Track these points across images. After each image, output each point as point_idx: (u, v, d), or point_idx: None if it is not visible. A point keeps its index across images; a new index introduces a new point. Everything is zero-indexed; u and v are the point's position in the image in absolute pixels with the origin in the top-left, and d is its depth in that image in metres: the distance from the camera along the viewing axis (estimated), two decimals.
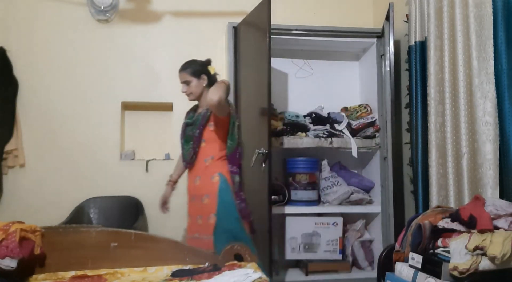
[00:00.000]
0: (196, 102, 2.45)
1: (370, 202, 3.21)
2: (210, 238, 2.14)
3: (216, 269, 1.75)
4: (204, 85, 2.35)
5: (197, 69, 2.36)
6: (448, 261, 1.61)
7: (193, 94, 2.37)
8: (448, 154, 2.34)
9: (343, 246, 3.12)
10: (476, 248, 1.55)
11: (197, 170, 2.29)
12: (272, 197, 2.99)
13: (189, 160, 2.30)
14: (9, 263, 1.55)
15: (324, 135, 3.09)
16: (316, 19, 3.40)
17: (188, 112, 2.48)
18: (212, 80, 2.36)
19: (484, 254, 1.54)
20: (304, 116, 3.24)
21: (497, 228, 1.64)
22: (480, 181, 2.13)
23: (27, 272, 1.70)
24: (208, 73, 2.37)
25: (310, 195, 3.10)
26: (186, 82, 2.36)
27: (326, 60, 3.53)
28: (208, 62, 2.42)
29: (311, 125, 3.17)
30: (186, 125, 2.39)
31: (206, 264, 1.81)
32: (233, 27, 3.11)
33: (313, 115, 3.22)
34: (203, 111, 2.32)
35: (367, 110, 3.24)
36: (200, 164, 2.28)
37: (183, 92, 2.38)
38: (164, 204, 2.50)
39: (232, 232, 2.13)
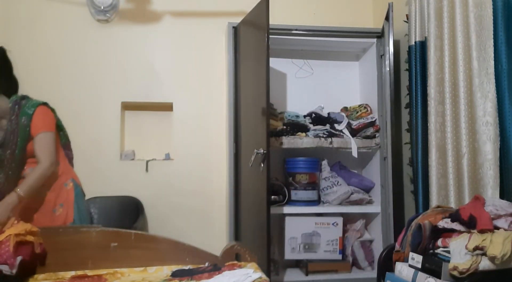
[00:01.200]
0: None
1: (370, 202, 3.21)
2: None
3: (216, 269, 1.75)
4: None
5: None
6: (448, 261, 1.61)
7: None
8: (448, 154, 2.34)
9: (343, 246, 3.12)
10: (476, 248, 1.55)
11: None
12: (272, 197, 3.00)
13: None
14: (9, 269, 1.53)
15: (324, 136, 3.08)
16: (316, 19, 3.40)
17: None
18: None
19: (484, 254, 1.54)
20: (304, 116, 3.24)
21: (497, 228, 1.64)
22: (481, 181, 2.13)
23: (29, 272, 1.69)
24: None
25: (310, 195, 3.09)
26: None
27: (326, 60, 3.53)
28: None
29: (311, 125, 3.17)
30: None
31: (206, 264, 1.81)
32: (233, 27, 3.11)
33: (313, 115, 3.22)
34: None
35: (367, 110, 3.24)
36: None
37: None
38: None
39: None
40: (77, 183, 2.12)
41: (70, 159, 2.18)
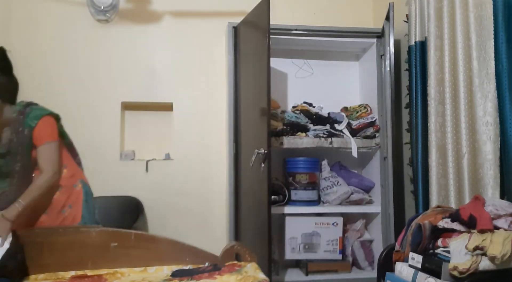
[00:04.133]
0: None
1: (370, 202, 3.20)
2: None
3: (216, 269, 1.75)
4: None
5: None
6: (448, 261, 1.61)
7: None
8: (449, 154, 2.34)
9: (343, 246, 3.12)
10: (476, 248, 1.55)
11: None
12: (272, 197, 2.99)
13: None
14: None
15: (324, 136, 3.08)
16: (316, 19, 3.40)
17: None
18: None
19: (484, 254, 1.54)
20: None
21: (497, 228, 1.64)
22: (481, 181, 2.13)
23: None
24: None
25: (310, 195, 3.09)
26: None
27: (326, 60, 3.53)
28: None
29: (311, 125, 3.17)
30: None
31: (206, 264, 1.82)
32: (233, 27, 3.10)
33: (313, 115, 3.22)
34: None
35: (367, 110, 3.24)
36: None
37: None
38: None
39: None
40: (86, 183, 2.18)
41: (79, 163, 2.25)
